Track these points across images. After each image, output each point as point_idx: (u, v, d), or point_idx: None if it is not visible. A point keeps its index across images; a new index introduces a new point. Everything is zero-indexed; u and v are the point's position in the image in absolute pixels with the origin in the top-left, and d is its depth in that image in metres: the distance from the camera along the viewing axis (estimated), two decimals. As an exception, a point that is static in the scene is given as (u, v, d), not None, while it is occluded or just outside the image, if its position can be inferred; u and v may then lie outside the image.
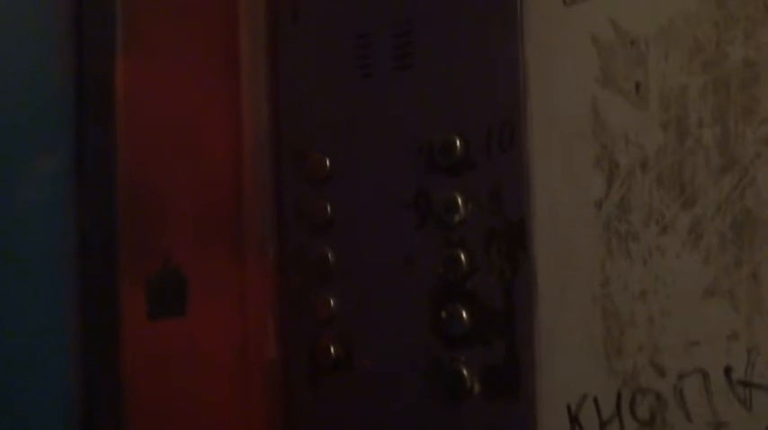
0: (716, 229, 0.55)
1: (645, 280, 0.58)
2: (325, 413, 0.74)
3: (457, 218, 0.67)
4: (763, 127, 0.53)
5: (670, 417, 0.57)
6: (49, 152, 0.76)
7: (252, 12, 0.79)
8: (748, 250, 0.54)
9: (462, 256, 0.67)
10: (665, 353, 0.57)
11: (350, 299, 0.73)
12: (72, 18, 0.77)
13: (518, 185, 0.64)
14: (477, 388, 0.66)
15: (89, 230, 0.74)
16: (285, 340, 0.77)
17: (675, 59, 0.57)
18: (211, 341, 0.76)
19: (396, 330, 0.70)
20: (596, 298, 0.61)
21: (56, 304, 0.76)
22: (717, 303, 0.55)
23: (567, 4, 0.62)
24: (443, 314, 0.67)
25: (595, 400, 0.60)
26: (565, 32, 0.62)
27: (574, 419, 0.61)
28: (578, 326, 0.61)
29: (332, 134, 0.75)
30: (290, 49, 0.78)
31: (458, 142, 0.67)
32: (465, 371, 0.66)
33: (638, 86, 0.59)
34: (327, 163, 0.75)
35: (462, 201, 0.67)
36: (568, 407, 0.61)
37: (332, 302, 0.74)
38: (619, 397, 0.59)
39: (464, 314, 0.66)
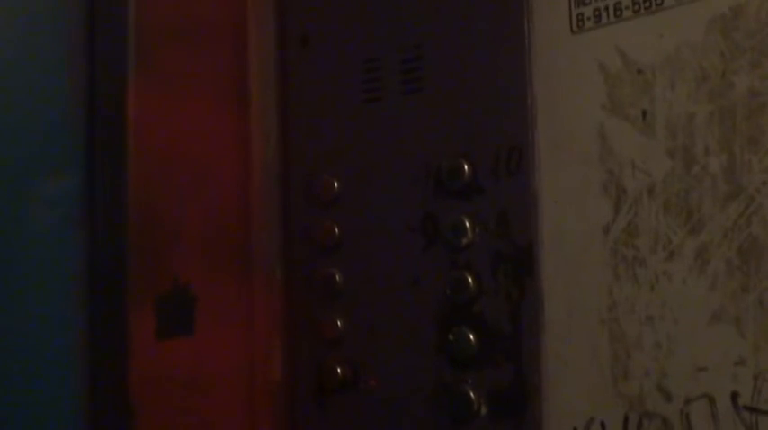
0: (722, 256, 0.56)
1: (652, 304, 0.59)
2: (332, 434, 0.74)
3: (464, 241, 0.68)
4: (768, 156, 0.54)
5: (677, 442, 0.57)
6: (60, 175, 0.77)
7: (262, 36, 0.80)
8: (755, 277, 0.55)
9: (470, 279, 0.67)
10: (671, 378, 0.58)
11: (357, 320, 0.74)
12: (84, 42, 0.78)
13: (525, 210, 0.65)
14: (483, 410, 0.66)
15: (98, 252, 0.75)
16: (292, 360, 0.78)
17: (682, 88, 0.58)
18: (218, 360, 0.76)
19: (402, 351, 0.71)
20: (603, 322, 0.61)
21: (64, 324, 0.77)
22: (723, 329, 0.56)
23: (574, 33, 0.63)
24: (450, 336, 0.68)
25: (602, 424, 0.61)
26: (572, 60, 0.63)
27: (581, 443, 0.61)
28: (585, 349, 0.62)
29: (340, 157, 0.76)
30: (299, 72, 0.79)
31: (465, 166, 0.68)
32: (472, 394, 0.66)
33: (644, 114, 0.60)
34: (335, 185, 0.75)
35: (470, 225, 0.67)
36: (575, 431, 0.61)
37: (339, 323, 0.75)
38: (626, 420, 0.60)
39: (471, 336, 0.67)
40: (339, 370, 0.74)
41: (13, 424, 0.71)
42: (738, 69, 0.55)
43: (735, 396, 0.55)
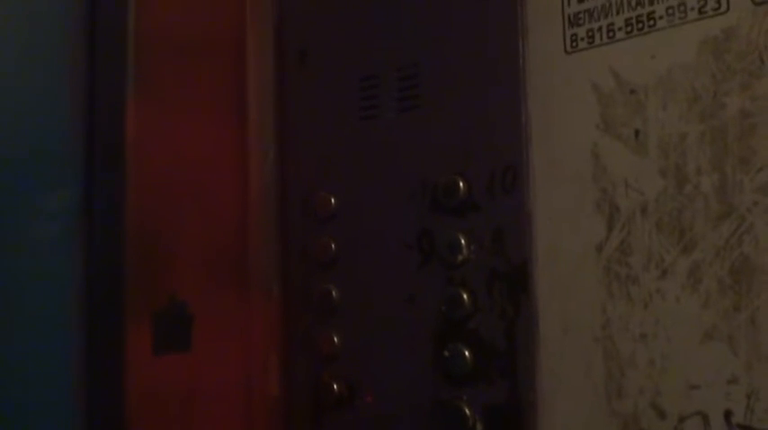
0: (715, 274, 0.57)
1: (645, 322, 0.59)
2: (328, 450, 0.75)
3: (460, 258, 0.68)
4: (759, 176, 0.55)
5: (671, 460, 0.58)
6: (58, 190, 0.78)
7: (260, 52, 0.80)
8: (746, 296, 0.55)
9: (465, 296, 0.68)
10: (665, 396, 0.58)
11: (353, 336, 0.74)
12: (84, 58, 0.79)
13: (520, 227, 0.65)
14: (479, 427, 0.66)
15: (96, 267, 0.75)
16: (288, 376, 0.78)
17: (674, 108, 0.59)
18: (215, 376, 0.77)
19: (398, 368, 0.71)
20: (597, 339, 0.61)
21: (60, 339, 0.77)
22: (716, 347, 0.56)
23: (568, 53, 0.64)
24: (446, 353, 0.68)
25: (597, 442, 0.61)
26: (566, 80, 0.63)
27: (575, 460, 0.61)
28: (580, 367, 0.62)
29: (337, 174, 0.76)
30: (297, 88, 0.80)
31: (461, 184, 0.68)
32: (467, 410, 0.67)
33: (637, 133, 0.60)
34: (332, 201, 0.76)
35: (465, 242, 0.68)
36: (570, 448, 0.62)
37: (335, 339, 0.75)
38: (620, 438, 0.60)
39: (466, 353, 0.67)
40: (335, 386, 0.74)
41: (8, 437, 0.71)
42: (729, 90, 0.56)
43: (728, 414, 0.56)
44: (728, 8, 0.56)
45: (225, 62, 0.80)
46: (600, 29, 0.62)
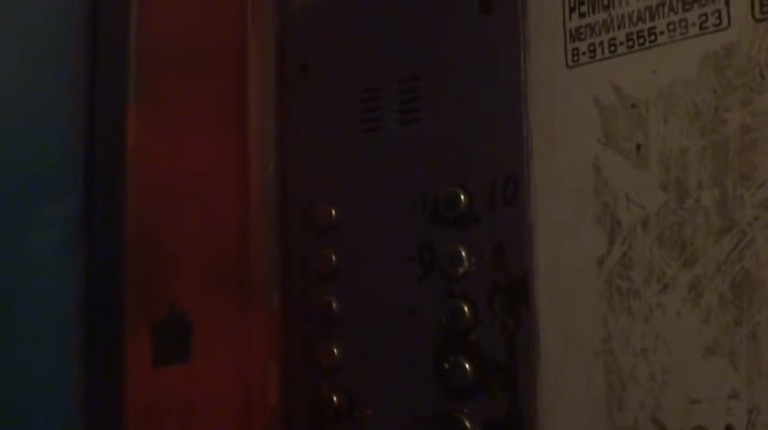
0: (715, 289, 0.57)
1: (646, 336, 0.59)
2: (327, 463, 0.74)
3: (461, 270, 0.68)
4: (760, 192, 0.55)
5: (672, 475, 0.57)
6: (58, 199, 0.78)
7: (262, 64, 0.81)
8: (747, 311, 0.55)
9: (465, 308, 0.67)
10: (666, 411, 0.58)
11: (353, 348, 0.74)
12: (85, 70, 0.79)
13: (521, 240, 0.65)
14: (479, 440, 0.66)
15: (95, 277, 0.75)
16: (288, 388, 0.78)
17: (675, 123, 0.59)
18: (215, 387, 0.76)
19: (398, 380, 0.71)
20: (598, 353, 0.61)
21: (59, 350, 0.77)
22: (717, 362, 0.56)
23: (570, 67, 0.64)
24: (446, 365, 0.68)
25: (597, 455, 0.61)
26: (568, 93, 0.64)
27: (576, 474, 0.61)
28: (580, 380, 0.62)
29: (338, 185, 0.76)
30: (298, 100, 0.80)
31: (462, 196, 0.68)
32: (467, 423, 0.66)
33: (638, 147, 0.60)
34: (333, 213, 0.76)
35: (466, 254, 0.68)
36: (570, 462, 0.62)
37: (335, 351, 0.75)
38: (620, 452, 0.60)
39: (467, 366, 0.67)
40: (335, 398, 0.74)
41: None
42: (730, 106, 0.56)
43: (729, 429, 0.55)
44: (729, 24, 0.57)
45: (226, 73, 0.81)
46: (601, 43, 0.62)
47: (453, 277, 0.68)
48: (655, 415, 0.58)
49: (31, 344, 0.75)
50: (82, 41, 0.81)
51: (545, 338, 0.64)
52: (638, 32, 0.61)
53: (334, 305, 0.75)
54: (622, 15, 0.61)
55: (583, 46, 0.63)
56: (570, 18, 0.64)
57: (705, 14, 0.58)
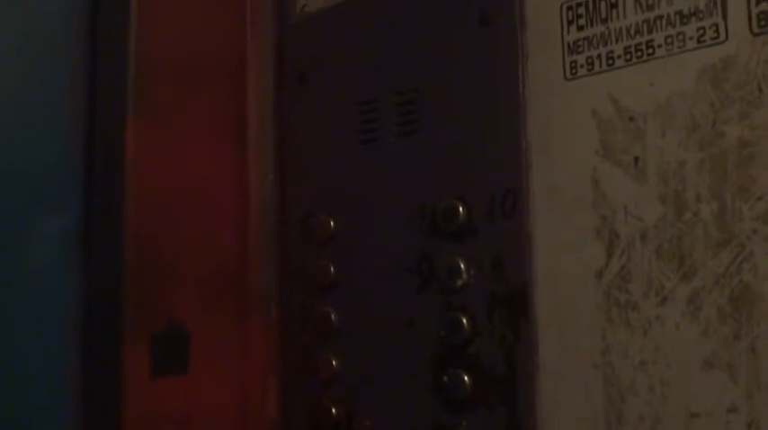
0: (714, 302, 0.57)
1: (645, 349, 0.59)
2: (326, 475, 0.74)
3: (459, 282, 0.68)
4: (759, 205, 0.55)
5: (671, 488, 0.57)
6: (57, 211, 0.78)
7: (261, 75, 0.81)
8: (746, 324, 0.55)
9: (464, 321, 0.67)
10: (665, 424, 0.58)
11: (352, 359, 0.74)
12: (83, 80, 0.79)
13: (520, 253, 0.65)
14: (478, 452, 0.66)
15: (94, 289, 0.75)
16: (286, 399, 0.77)
17: (673, 136, 0.59)
18: (213, 398, 0.76)
19: (397, 392, 0.71)
20: (597, 365, 0.61)
21: (58, 361, 0.77)
22: (716, 375, 0.56)
23: (568, 80, 0.64)
24: (445, 378, 0.68)
25: (596, 468, 0.61)
26: (566, 106, 0.64)
27: (575, 488, 0.61)
28: (579, 393, 0.62)
29: (336, 197, 0.76)
30: (297, 111, 0.80)
31: (461, 208, 0.68)
32: (466, 436, 0.66)
33: (636, 160, 0.60)
34: (331, 224, 0.76)
35: (465, 266, 0.68)
36: (570, 476, 0.61)
37: (334, 363, 0.75)
38: (620, 465, 0.60)
39: (466, 378, 0.67)
40: (334, 410, 0.74)
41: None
42: (728, 119, 0.56)
43: (728, 443, 0.55)
44: (727, 38, 0.57)
45: (225, 83, 0.81)
46: (599, 56, 0.63)
47: (452, 289, 0.68)
48: (654, 428, 0.58)
49: (29, 354, 0.75)
50: (81, 53, 0.81)
51: (544, 350, 0.64)
52: (635, 45, 0.61)
53: (332, 316, 0.75)
54: (620, 29, 0.62)
55: (581, 59, 0.63)
56: (568, 31, 0.64)
57: (703, 28, 0.58)
